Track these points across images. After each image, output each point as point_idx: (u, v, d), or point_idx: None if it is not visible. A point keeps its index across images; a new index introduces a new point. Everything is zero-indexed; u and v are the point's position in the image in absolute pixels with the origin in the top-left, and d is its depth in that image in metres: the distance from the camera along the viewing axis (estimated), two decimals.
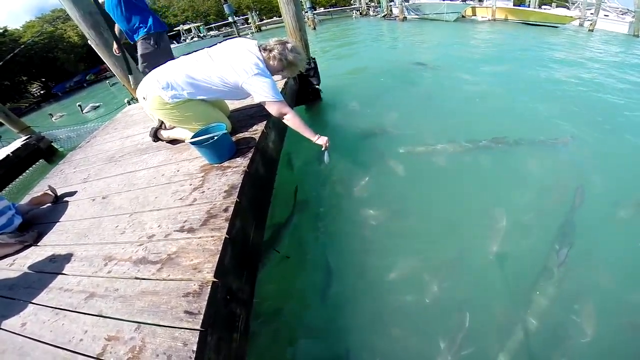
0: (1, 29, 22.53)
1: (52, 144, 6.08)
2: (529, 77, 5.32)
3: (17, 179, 5.19)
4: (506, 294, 1.85)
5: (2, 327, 1.27)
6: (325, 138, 1.91)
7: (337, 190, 2.82)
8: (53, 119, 11.83)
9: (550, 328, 1.68)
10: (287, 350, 1.79)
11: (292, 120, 1.84)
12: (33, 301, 1.33)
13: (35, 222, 1.93)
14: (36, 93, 25.59)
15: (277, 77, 1.96)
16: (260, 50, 1.80)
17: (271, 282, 2.07)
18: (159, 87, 1.73)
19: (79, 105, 11.75)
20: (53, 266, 1.50)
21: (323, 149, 1.95)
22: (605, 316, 1.68)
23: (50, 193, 2.11)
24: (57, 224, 1.84)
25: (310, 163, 3.13)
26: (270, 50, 1.80)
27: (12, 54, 6.80)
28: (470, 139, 3.23)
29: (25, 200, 2.17)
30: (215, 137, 1.67)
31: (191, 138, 1.73)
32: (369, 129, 3.71)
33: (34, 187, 2.46)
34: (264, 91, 1.73)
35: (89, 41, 3.38)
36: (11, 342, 1.18)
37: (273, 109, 1.81)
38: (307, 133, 1.88)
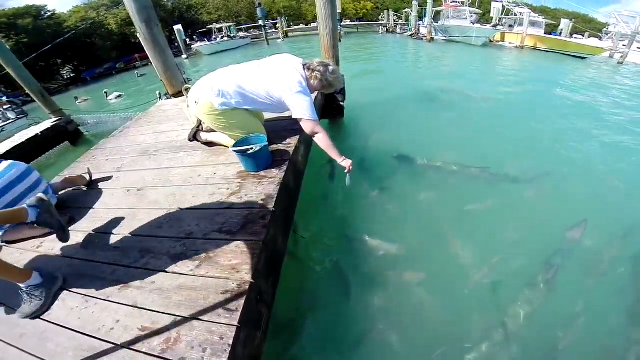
0: (50, 12, 23.61)
1: (79, 127, 6.29)
2: (551, 110, 5.38)
3: (39, 157, 5.39)
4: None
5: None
6: (350, 161, 1.96)
7: (351, 206, 2.87)
8: (77, 102, 12.26)
9: (528, 341, 1.78)
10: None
11: (322, 139, 1.91)
12: (62, 286, 1.33)
13: (67, 206, 1.96)
14: (66, 76, 26.52)
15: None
16: (304, 69, 1.92)
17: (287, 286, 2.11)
18: (212, 94, 1.84)
19: (105, 92, 12.20)
20: (85, 253, 1.52)
21: (346, 171, 2.00)
22: (580, 336, 1.79)
23: (86, 177, 2.17)
24: (90, 210, 1.87)
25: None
26: (313, 70, 1.91)
27: (61, 39, 7.06)
28: (487, 167, 3.29)
29: (56, 179, 2.22)
30: (257, 148, 1.75)
31: (234, 146, 1.81)
32: (387, 150, 3.78)
33: (65, 170, 2.49)
34: (303, 109, 1.82)
35: (138, 34, 3.52)
36: (32, 326, 1.18)
37: (307, 127, 1.89)
38: (334, 154, 1.95)
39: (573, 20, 18.91)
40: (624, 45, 12.96)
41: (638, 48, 12.69)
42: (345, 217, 2.76)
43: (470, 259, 2.29)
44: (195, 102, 1.94)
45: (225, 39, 25.22)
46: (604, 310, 1.96)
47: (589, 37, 17.13)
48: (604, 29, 17.11)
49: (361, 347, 1.80)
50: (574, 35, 17.73)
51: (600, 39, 16.00)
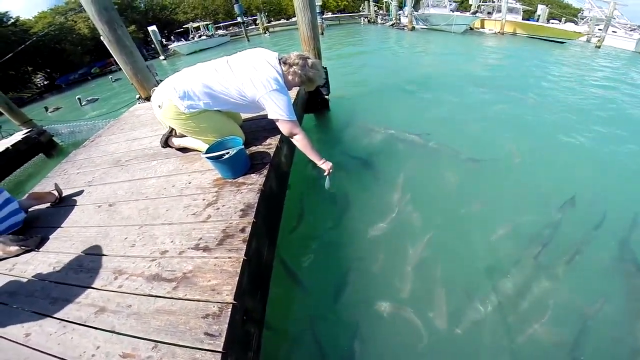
0: (14, 19, 22.48)
1: (53, 138, 5.99)
2: (530, 98, 5.40)
3: (13, 173, 5.12)
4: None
5: (2, 335, 1.20)
6: (330, 164, 1.90)
7: (337, 206, 2.82)
8: (48, 112, 11.59)
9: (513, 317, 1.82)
10: None
11: (301, 141, 1.81)
12: (37, 311, 1.26)
13: (37, 225, 1.86)
14: (40, 84, 25.39)
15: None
16: (280, 64, 1.76)
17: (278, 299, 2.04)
18: (175, 96, 1.68)
19: (78, 99, 11.68)
20: (57, 275, 1.44)
21: (326, 173, 1.92)
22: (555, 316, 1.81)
23: (55, 193, 2.04)
24: (61, 229, 1.77)
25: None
26: (291, 65, 1.76)
27: (22, 47, 6.70)
28: (473, 156, 3.32)
29: (25, 196, 2.07)
30: (233, 153, 1.62)
31: (206, 151, 1.68)
32: (375, 142, 3.75)
33: (35, 187, 2.36)
34: (279, 109, 1.69)
35: (101, 37, 3.32)
36: (14, 352, 1.13)
37: (285, 128, 1.77)
38: (313, 156, 1.86)
39: (549, 6, 19.19)
40: (599, 30, 13.22)
41: (613, 32, 12.97)
42: (335, 212, 2.70)
43: (458, 237, 2.36)
44: (159, 106, 1.77)
45: (204, 37, 24.62)
46: (589, 286, 2.00)
47: (565, 22, 17.40)
48: (579, 14, 17.43)
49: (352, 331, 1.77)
50: (551, 21, 17.99)
51: (576, 23, 16.28)
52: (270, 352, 1.72)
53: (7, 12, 21.99)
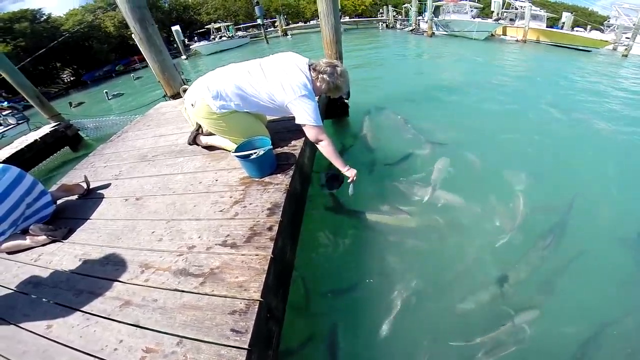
0: (46, 16, 23.59)
1: (79, 132, 6.19)
2: (556, 110, 5.16)
3: (39, 164, 5.30)
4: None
5: (24, 327, 1.21)
6: (354, 171, 1.90)
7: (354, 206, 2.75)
8: (72, 107, 12.10)
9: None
10: None
11: (326, 147, 1.82)
12: (61, 303, 1.27)
13: (64, 216, 1.89)
14: (66, 79, 26.45)
15: None
16: (310, 70, 1.79)
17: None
18: (209, 95, 1.72)
19: (106, 92, 12.32)
20: (83, 267, 1.45)
21: (349, 180, 1.92)
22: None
23: (83, 185, 2.09)
24: (88, 221, 1.80)
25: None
26: (320, 72, 1.78)
27: (53, 43, 6.99)
28: (498, 164, 3.24)
29: (54, 188, 2.14)
30: (262, 153, 1.65)
31: (235, 150, 1.70)
32: (396, 149, 3.66)
33: (63, 178, 2.43)
34: (306, 114, 1.71)
35: (132, 35, 3.43)
36: (34, 344, 1.13)
37: (311, 133, 1.79)
38: (338, 163, 1.87)
39: (573, 13, 18.70)
40: (627, 38, 12.81)
41: None
42: (353, 218, 2.64)
43: (475, 226, 2.38)
44: (192, 104, 1.81)
45: (224, 38, 25.11)
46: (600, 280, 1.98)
47: (590, 30, 16.93)
48: (605, 22, 16.94)
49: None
50: (576, 29, 17.53)
51: (602, 31, 15.82)
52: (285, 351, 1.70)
53: (40, 9, 23.09)
